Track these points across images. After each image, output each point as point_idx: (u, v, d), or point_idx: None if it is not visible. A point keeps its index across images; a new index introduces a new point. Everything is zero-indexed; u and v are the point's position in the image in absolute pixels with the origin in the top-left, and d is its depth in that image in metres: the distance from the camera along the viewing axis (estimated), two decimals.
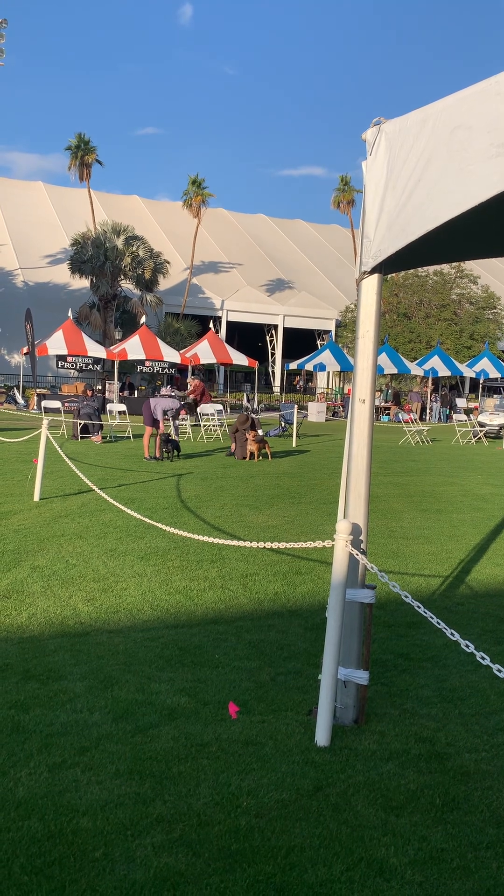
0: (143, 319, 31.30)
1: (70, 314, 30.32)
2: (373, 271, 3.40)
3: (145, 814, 2.84)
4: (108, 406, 22.24)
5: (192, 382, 22.98)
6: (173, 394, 27.23)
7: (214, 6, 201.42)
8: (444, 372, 33.88)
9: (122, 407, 22.25)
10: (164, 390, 28.47)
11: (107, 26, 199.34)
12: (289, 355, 44.77)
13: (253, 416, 16.15)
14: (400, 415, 32.47)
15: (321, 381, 45.93)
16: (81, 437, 18.36)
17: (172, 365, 30.32)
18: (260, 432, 15.55)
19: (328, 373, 43.60)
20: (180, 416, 15.26)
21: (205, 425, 21.14)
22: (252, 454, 15.21)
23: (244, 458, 15.18)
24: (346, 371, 36.55)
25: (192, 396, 17.06)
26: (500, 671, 2.81)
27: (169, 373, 31.57)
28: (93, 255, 36.42)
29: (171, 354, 29.63)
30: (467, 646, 3.06)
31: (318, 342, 46.08)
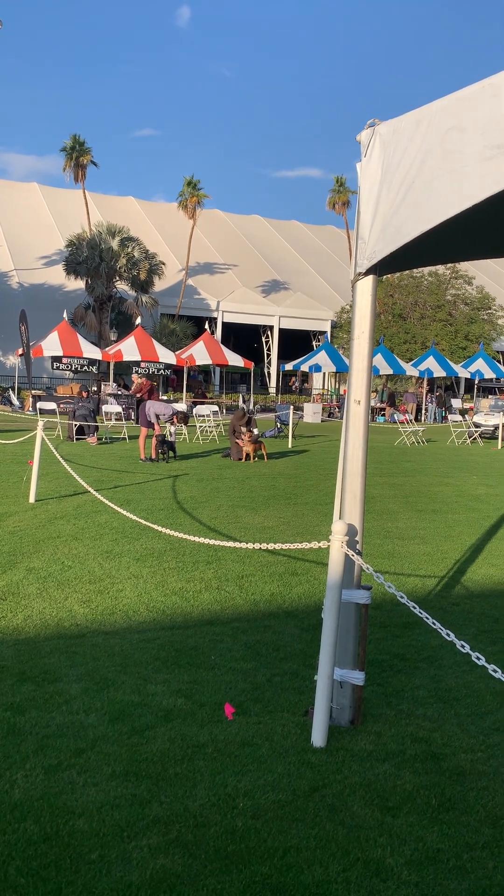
0: (138, 320, 31.30)
1: (65, 315, 30.30)
2: (368, 272, 3.41)
3: (141, 815, 2.84)
4: (104, 407, 22.23)
5: (136, 380, 22.64)
6: (120, 392, 26.89)
7: (212, 8, 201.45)
8: (439, 373, 33.94)
9: (118, 408, 22.23)
10: (109, 388, 28.18)
11: (104, 28, 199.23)
12: (284, 356, 44.78)
13: (249, 414, 16.14)
14: (395, 415, 32.51)
15: (317, 381, 45.94)
16: (77, 439, 18.34)
17: (168, 366, 30.31)
18: (255, 431, 15.56)
19: (324, 374, 43.62)
20: (175, 425, 15.23)
21: (200, 426, 21.14)
22: (248, 455, 15.22)
23: (240, 459, 15.19)
24: (342, 372, 36.58)
25: (138, 395, 16.99)
26: (495, 671, 2.81)
27: (165, 374, 31.53)
28: (88, 257, 36.38)
29: (166, 355, 29.63)
30: (463, 646, 3.07)
31: (314, 343, 46.13)
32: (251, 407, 31.92)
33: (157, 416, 14.73)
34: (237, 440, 15.28)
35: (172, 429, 15.59)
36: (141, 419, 14.88)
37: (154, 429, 14.62)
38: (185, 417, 15.56)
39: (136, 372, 28.52)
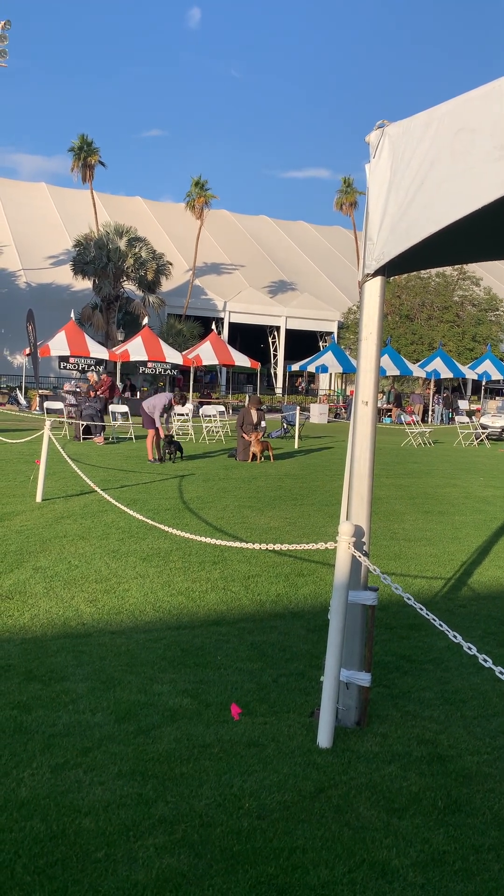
0: (145, 320, 31.36)
1: (72, 315, 30.38)
2: (376, 274, 3.41)
3: (147, 815, 2.84)
4: (111, 407, 22.25)
5: (91, 378, 22.51)
6: (77, 389, 26.81)
7: (222, 9, 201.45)
8: (446, 374, 33.88)
9: (125, 408, 22.27)
10: (68, 385, 28.17)
11: (115, 29, 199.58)
12: (291, 357, 44.78)
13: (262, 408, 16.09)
14: (402, 417, 32.47)
15: (323, 382, 45.94)
16: (83, 439, 18.38)
17: (175, 366, 30.35)
18: (264, 424, 15.57)
19: (330, 374, 43.61)
20: (175, 405, 15.14)
21: (207, 427, 21.16)
22: (254, 455, 15.22)
23: (246, 459, 15.19)
24: (349, 373, 36.55)
25: (96, 393, 17.06)
26: (502, 673, 2.81)
27: (172, 374, 31.57)
28: (95, 257, 36.47)
29: (173, 356, 29.68)
30: (469, 648, 3.06)
31: (321, 343, 46.11)
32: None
33: (163, 413, 14.63)
34: (244, 433, 15.21)
35: (183, 408, 15.44)
36: (144, 420, 14.85)
37: (159, 430, 14.59)
38: (182, 398, 15.59)
39: (92, 369, 28.33)
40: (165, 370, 30.16)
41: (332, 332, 45.30)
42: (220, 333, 41.01)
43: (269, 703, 3.87)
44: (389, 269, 3.41)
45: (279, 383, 45.88)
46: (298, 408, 23.60)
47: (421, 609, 3.32)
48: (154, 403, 14.70)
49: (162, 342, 30.63)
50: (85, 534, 7.54)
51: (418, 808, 2.97)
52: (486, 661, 2.98)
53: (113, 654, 4.45)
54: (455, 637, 3.14)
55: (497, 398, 35.50)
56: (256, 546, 4.24)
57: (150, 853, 2.61)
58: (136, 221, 43.73)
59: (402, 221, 3.17)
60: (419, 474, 14.27)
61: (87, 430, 18.56)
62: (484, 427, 24.73)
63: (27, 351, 32.51)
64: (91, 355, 28.36)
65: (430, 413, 34.88)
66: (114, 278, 37.22)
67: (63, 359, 28.50)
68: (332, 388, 46.01)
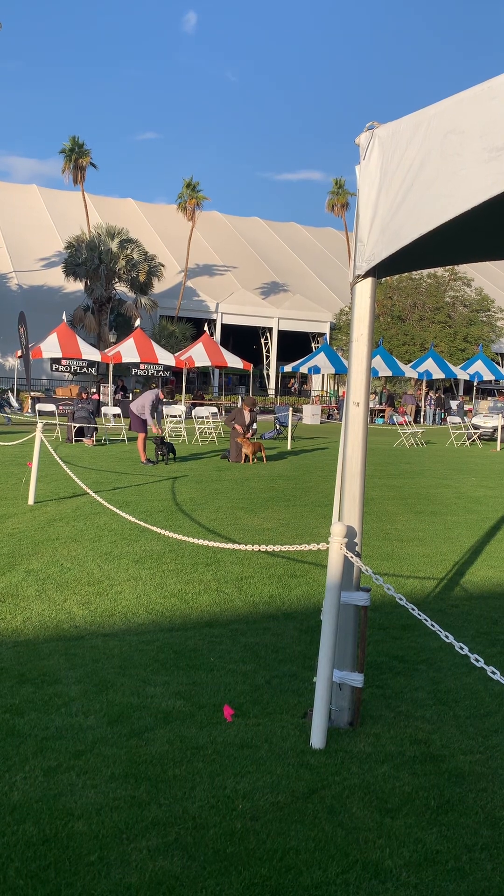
0: (137, 322, 31.32)
1: (64, 317, 30.29)
2: (367, 275, 3.42)
3: (140, 817, 2.84)
4: (103, 409, 22.22)
5: None
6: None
7: (218, 13, 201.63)
8: (438, 374, 33.97)
9: (117, 410, 22.23)
10: None
11: (111, 33, 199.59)
12: (283, 358, 44.80)
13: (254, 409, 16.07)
14: (394, 417, 32.52)
15: (316, 383, 45.96)
16: (76, 441, 18.34)
17: (167, 368, 30.31)
18: (254, 426, 15.57)
19: (322, 375, 43.64)
20: (163, 399, 15.11)
21: (199, 428, 21.14)
22: (247, 457, 15.22)
23: (238, 460, 15.19)
24: (341, 374, 36.60)
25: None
26: (494, 673, 2.82)
27: (164, 375, 31.53)
28: (87, 258, 36.38)
29: (165, 357, 29.63)
30: (461, 648, 3.07)
31: (313, 345, 46.14)
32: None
33: (153, 411, 14.54)
34: (236, 426, 15.15)
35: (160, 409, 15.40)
36: (133, 422, 14.77)
37: (152, 428, 14.56)
38: (171, 392, 15.57)
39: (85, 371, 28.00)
40: (158, 372, 30.12)
41: (324, 333, 45.34)
42: (212, 335, 41.01)
43: (262, 704, 3.87)
44: (380, 271, 3.42)
45: (272, 384, 45.88)
46: (291, 409, 23.62)
47: (413, 609, 3.32)
48: (142, 403, 14.64)
49: (154, 344, 30.55)
50: (77, 536, 7.52)
51: (411, 807, 2.98)
52: (477, 660, 2.99)
53: (105, 656, 4.44)
54: (447, 637, 3.15)
55: (489, 398, 35.60)
56: (249, 547, 4.24)
57: (143, 856, 2.61)
58: (127, 223, 43.68)
59: (392, 223, 3.18)
60: (411, 475, 14.29)
61: (80, 433, 18.53)
62: (476, 427, 24.79)
63: (19, 353, 32.41)
64: (83, 357, 28.29)
65: (422, 414, 34.95)
66: (105, 280, 37.14)
67: (55, 361, 28.42)
68: (325, 389, 46.04)
